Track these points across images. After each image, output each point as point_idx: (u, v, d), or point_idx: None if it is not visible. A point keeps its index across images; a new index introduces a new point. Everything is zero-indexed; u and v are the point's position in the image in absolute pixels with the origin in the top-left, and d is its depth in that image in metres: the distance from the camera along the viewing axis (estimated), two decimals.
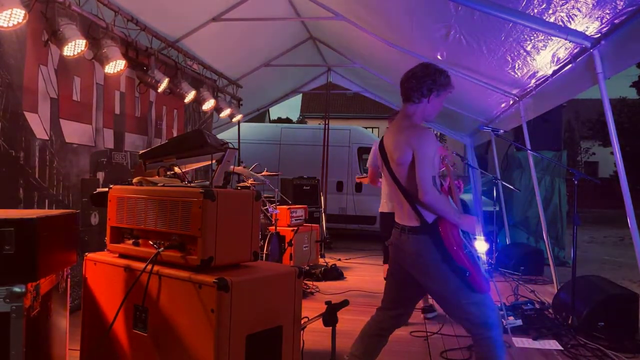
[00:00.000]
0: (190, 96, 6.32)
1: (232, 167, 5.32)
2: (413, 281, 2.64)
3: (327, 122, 9.82)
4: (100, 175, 5.19)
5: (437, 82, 2.61)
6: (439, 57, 5.78)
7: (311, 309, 3.75)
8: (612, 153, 4.11)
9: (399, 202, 2.63)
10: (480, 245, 2.72)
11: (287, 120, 35.10)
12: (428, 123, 3.22)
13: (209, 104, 7.00)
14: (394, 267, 2.73)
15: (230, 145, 3.07)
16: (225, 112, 7.63)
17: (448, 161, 3.13)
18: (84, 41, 4.18)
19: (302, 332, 2.83)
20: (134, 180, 2.93)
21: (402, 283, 2.70)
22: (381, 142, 2.73)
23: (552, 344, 4.02)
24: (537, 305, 4.79)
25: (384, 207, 4.84)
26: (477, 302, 2.49)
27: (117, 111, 5.54)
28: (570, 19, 3.71)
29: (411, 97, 2.64)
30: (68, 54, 4.17)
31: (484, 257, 2.74)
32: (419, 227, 2.54)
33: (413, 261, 2.57)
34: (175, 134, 6.96)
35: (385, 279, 2.85)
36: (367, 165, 5.02)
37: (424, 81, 2.61)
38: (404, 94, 2.68)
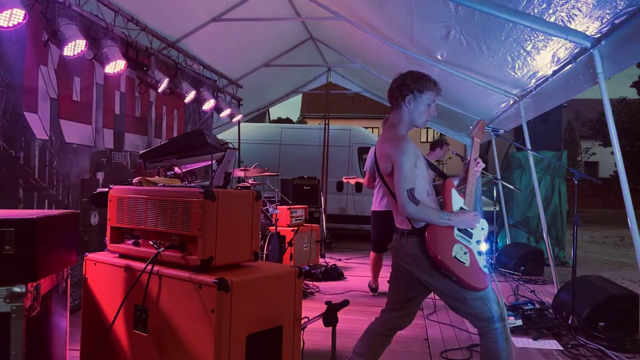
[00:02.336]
0: (190, 96, 6.32)
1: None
2: (415, 282, 2.66)
3: (327, 122, 9.82)
4: (100, 175, 5.19)
5: (410, 85, 2.63)
6: (439, 57, 5.78)
7: (311, 309, 3.75)
8: (612, 153, 4.11)
9: (395, 207, 2.67)
10: (480, 233, 2.69)
11: (287, 120, 35.09)
12: (429, 124, 3.23)
13: (209, 104, 7.00)
14: (396, 269, 2.75)
15: (231, 145, 3.07)
16: (225, 112, 7.63)
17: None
18: (84, 41, 4.17)
19: (302, 332, 2.83)
20: (134, 180, 2.93)
21: (405, 284, 2.73)
22: (375, 150, 2.78)
23: (553, 344, 4.02)
24: (537, 305, 4.79)
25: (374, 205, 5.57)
26: (481, 296, 2.53)
27: (117, 111, 5.54)
28: (571, 19, 3.71)
29: (392, 105, 2.72)
30: (68, 54, 4.17)
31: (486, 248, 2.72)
32: (412, 231, 2.60)
33: (412, 262, 2.61)
34: (175, 134, 6.95)
35: (388, 281, 2.86)
36: (364, 169, 5.38)
37: (397, 87, 2.66)
38: (390, 104, 2.76)
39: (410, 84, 2.63)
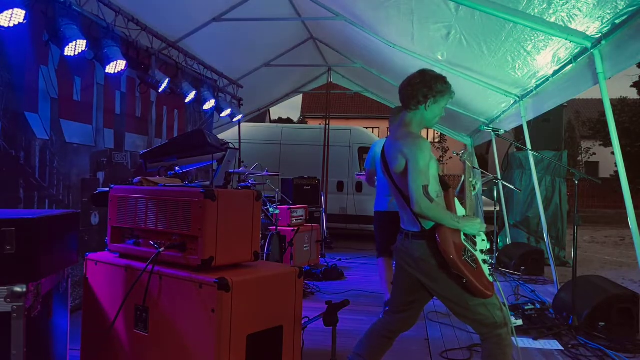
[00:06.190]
0: (190, 96, 6.32)
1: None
2: (419, 285, 2.64)
3: (327, 122, 9.82)
4: (101, 175, 5.19)
5: (434, 89, 2.58)
6: (439, 57, 5.78)
7: (311, 309, 3.75)
8: (612, 153, 4.11)
9: (403, 207, 2.64)
10: (482, 244, 2.69)
11: (288, 120, 35.06)
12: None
13: (209, 104, 7.01)
14: (400, 271, 2.74)
15: (231, 145, 3.07)
16: (226, 112, 7.64)
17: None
18: (85, 41, 4.17)
19: (302, 332, 2.83)
20: (135, 180, 2.93)
21: (409, 287, 2.71)
22: (383, 148, 2.74)
23: (553, 344, 4.02)
24: (537, 305, 4.79)
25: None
26: (484, 303, 2.51)
27: (118, 111, 5.54)
28: (571, 19, 3.71)
29: (408, 104, 2.63)
30: (69, 54, 4.17)
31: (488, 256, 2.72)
32: (419, 233, 2.56)
33: (417, 266, 2.58)
34: (175, 134, 6.96)
35: (392, 283, 2.85)
36: (364, 167, 5.02)
37: (418, 88, 2.59)
38: (402, 101, 2.68)
39: (434, 87, 2.58)
